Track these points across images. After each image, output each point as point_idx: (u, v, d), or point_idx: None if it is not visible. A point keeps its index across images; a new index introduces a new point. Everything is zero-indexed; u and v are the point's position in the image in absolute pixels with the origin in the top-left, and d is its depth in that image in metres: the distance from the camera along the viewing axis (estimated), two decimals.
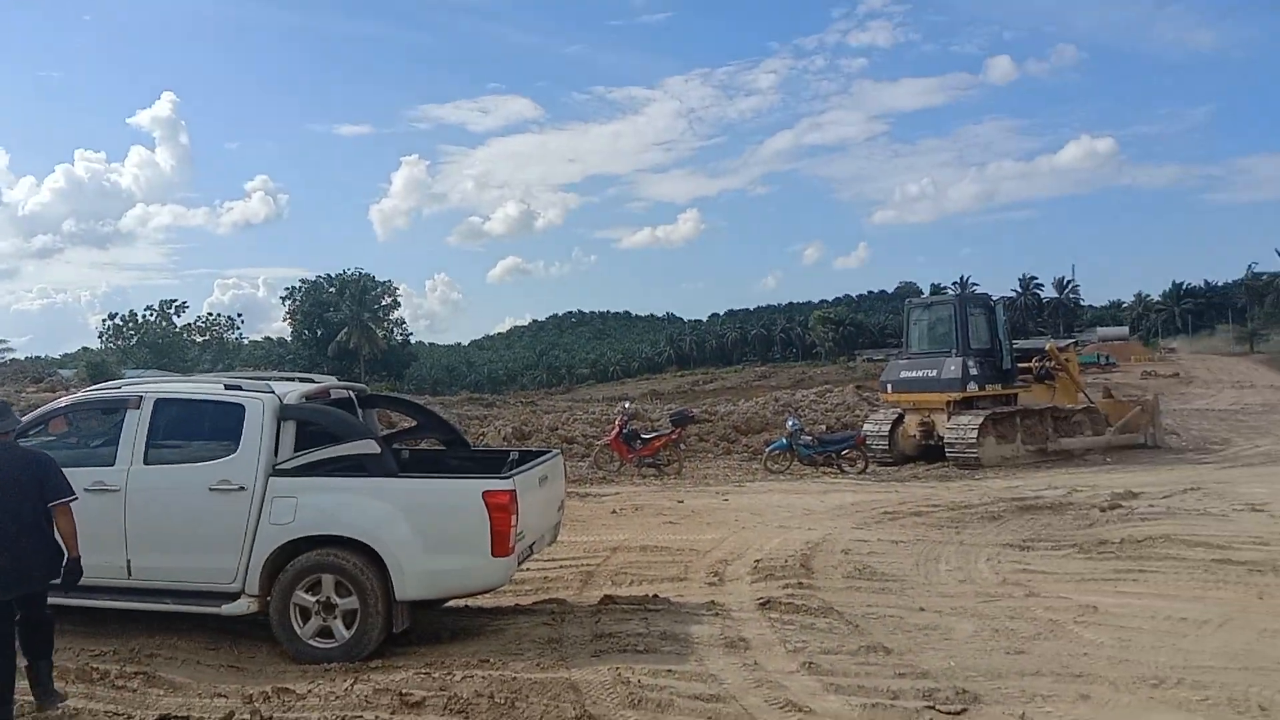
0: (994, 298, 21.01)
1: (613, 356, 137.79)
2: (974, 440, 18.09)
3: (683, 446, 19.58)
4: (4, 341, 52.06)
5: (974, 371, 19.04)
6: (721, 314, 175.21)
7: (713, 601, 7.88)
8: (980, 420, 18.28)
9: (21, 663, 5.56)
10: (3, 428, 5.57)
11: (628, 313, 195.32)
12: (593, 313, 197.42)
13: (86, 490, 6.49)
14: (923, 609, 7.59)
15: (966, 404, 18.97)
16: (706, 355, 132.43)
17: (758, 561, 9.36)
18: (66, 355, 66.26)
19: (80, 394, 8.01)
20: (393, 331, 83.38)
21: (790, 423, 19.53)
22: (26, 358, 52.22)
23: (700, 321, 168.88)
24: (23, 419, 6.89)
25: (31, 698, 5.57)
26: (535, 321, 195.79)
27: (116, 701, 5.73)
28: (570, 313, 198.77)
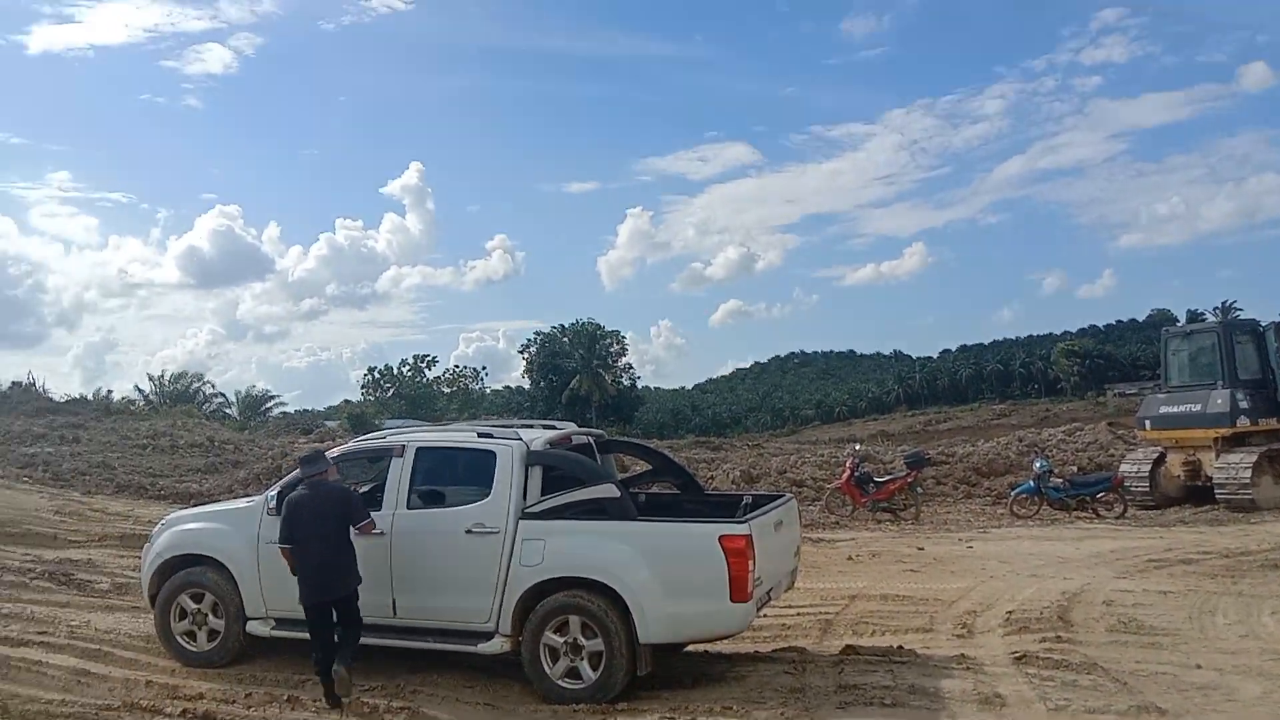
0: (1263, 323, 19.03)
1: (838, 397, 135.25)
2: (1247, 480, 16.42)
3: (920, 490, 18.87)
4: (276, 396, 57.29)
5: (1244, 404, 17.33)
6: (954, 350, 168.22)
7: (962, 655, 7.53)
8: (1254, 458, 16.59)
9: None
10: (319, 468, 6.99)
11: (852, 351, 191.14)
12: (816, 353, 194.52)
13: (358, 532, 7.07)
14: (1200, 666, 6.95)
15: (1237, 440, 17.27)
16: (938, 393, 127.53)
17: (1010, 613, 8.86)
18: (330, 408, 72.07)
19: (350, 444, 8.69)
20: (621, 377, 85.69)
21: (1038, 464, 18.42)
22: (296, 411, 57.27)
23: (930, 358, 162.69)
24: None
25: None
26: (758, 364, 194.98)
27: None
28: (793, 353, 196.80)
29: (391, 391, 77.09)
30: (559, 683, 6.78)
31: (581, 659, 6.74)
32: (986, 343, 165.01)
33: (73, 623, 8.74)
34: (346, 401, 75.16)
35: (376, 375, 79.67)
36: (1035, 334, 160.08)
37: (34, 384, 31.09)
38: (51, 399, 29.99)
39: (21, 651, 7.71)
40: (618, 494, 7.19)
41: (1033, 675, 6.85)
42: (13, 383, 30.71)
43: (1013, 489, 19.01)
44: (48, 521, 14.29)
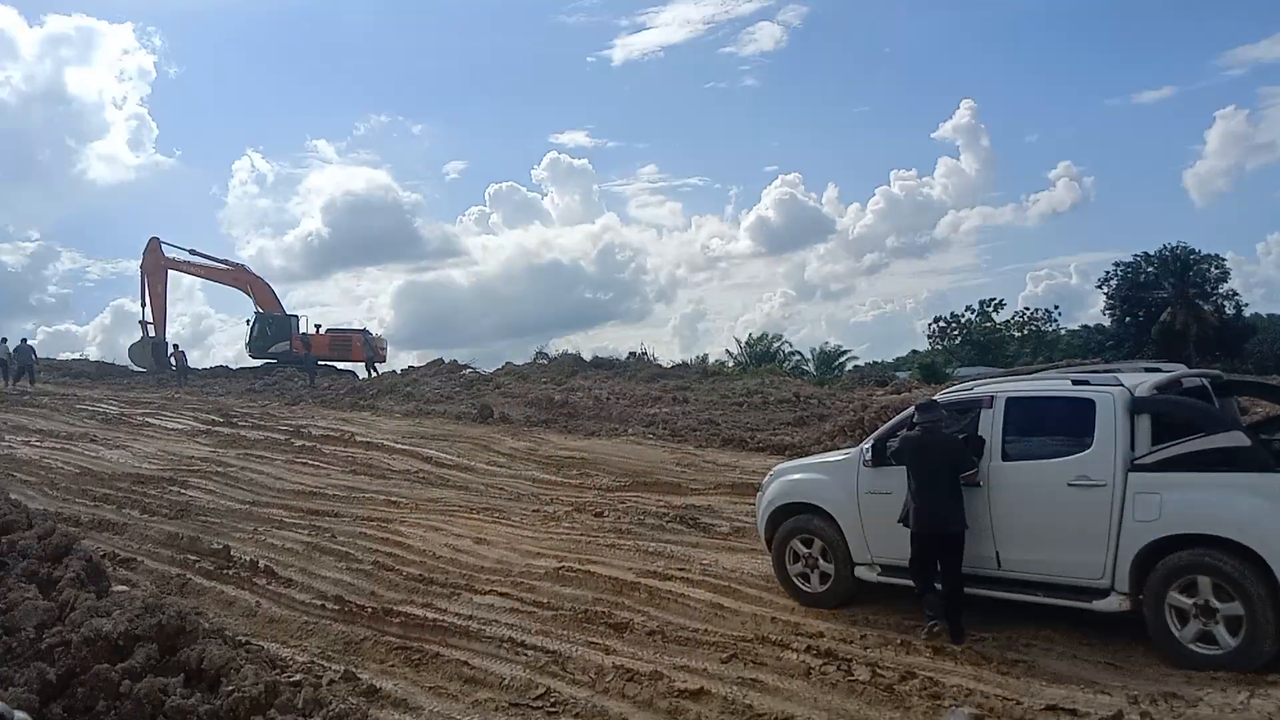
0: None
1: None
2: None
3: None
4: (848, 350, 59.43)
5: None
6: None
7: None
8: None
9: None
10: (934, 415, 7.43)
11: None
12: None
13: None
14: None
15: None
16: None
17: None
18: (899, 358, 72.96)
19: (936, 396, 8.76)
20: (1223, 306, 74.92)
21: None
22: (866, 364, 58.99)
23: None
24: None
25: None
26: None
27: (1003, 686, 6.16)
28: None
29: (959, 339, 75.92)
30: (1190, 647, 6.23)
31: (1216, 623, 6.13)
32: None
33: (704, 561, 9.99)
34: (914, 351, 75.66)
35: (942, 324, 78.97)
36: None
37: (645, 353, 36.03)
38: (660, 365, 34.40)
39: (668, 585, 8.97)
40: (1248, 442, 6.38)
41: None
42: (630, 353, 35.88)
43: None
44: (672, 472, 16.47)
